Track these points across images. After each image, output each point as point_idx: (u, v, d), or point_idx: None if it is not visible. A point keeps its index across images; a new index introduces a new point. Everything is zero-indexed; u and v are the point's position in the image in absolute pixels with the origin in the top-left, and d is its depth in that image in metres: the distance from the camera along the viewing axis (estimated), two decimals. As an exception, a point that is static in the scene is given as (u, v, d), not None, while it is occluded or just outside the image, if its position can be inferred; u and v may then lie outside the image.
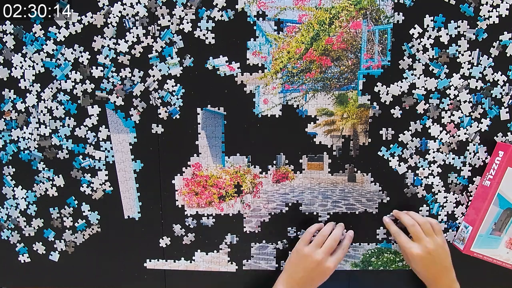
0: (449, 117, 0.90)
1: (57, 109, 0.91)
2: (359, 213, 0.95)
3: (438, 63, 0.88)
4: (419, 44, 0.87)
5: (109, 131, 0.92)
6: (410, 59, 0.88)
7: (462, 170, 0.93)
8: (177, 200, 0.96)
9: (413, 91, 0.89)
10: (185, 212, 0.96)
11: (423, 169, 0.93)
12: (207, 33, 0.87)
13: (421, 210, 0.95)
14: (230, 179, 0.94)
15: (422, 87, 0.89)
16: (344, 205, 0.95)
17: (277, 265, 0.98)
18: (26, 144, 0.93)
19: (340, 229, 0.90)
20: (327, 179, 0.94)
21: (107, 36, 0.87)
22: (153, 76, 0.89)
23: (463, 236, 0.92)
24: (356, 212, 0.95)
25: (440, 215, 0.95)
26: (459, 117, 0.90)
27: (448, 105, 0.90)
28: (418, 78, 0.89)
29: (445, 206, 0.95)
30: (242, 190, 0.95)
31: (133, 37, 0.87)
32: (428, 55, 0.87)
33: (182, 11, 0.86)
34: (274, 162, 0.93)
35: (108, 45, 0.88)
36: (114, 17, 0.86)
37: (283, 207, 0.95)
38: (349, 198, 0.94)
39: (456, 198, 0.94)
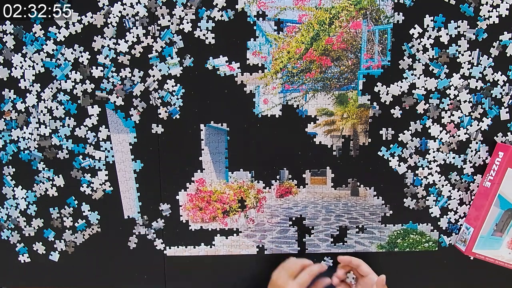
0: (449, 117, 0.89)
1: (57, 109, 0.90)
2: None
3: (438, 63, 0.86)
4: (419, 44, 0.85)
5: (109, 131, 0.91)
6: (410, 59, 0.86)
7: (464, 168, 0.91)
8: (181, 216, 0.95)
9: (413, 91, 0.88)
10: (189, 228, 0.95)
11: (423, 169, 0.91)
12: (207, 33, 0.86)
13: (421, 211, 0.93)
14: (234, 194, 0.93)
15: (422, 87, 0.87)
16: (347, 219, 0.94)
17: (299, 248, 0.96)
18: (26, 144, 0.91)
19: (319, 266, 0.87)
20: (330, 193, 0.93)
21: (107, 36, 0.86)
22: (153, 76, 0.88)
23: (465, 237, 0.90)
24: (360, 226, 0.94)
25: (442, 216, 0.94)
26: (459, 117, 0.89)
27: (448, 105, 0.88)
28: (418, 78, 0.87)
29: (448, 206, 0.93)
30: (246, 205, 0.94)
31: (133, 37, 0.86)
32: (428, 55, 0.86)
33: (182, 11, 0.84)
34: (278, 177, 0.92)
35: (108, 45, 0.86)
36: (114, 17, 0.85)
37: (286, 221, 0.94)
38: (352, 212, 0.94)
39: (459, 195, 0.93)
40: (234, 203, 0.94)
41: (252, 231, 0.95)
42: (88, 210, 0.95)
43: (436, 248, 0.95)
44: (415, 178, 0.92)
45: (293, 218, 0.94)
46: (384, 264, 0.95)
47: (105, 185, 0.93)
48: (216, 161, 0.92)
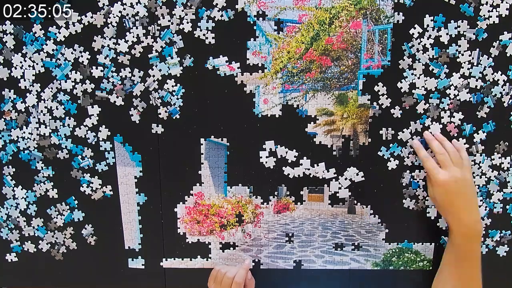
0: (449, 117, 0.86)
1: (57, 109, 0.87)
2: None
3: (438, 63, 0.84)
4: (419, 44, 0.83)
5: (115, 162, 0.90)
6: (410, 59, 0.84)
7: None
8: (179, 228, 0.93)
9: (413, 91, 0.85)
10: (186, 240, 0.94)
11: (419, 171, 0.88)
12: (207, 33, 0.83)
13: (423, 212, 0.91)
14: (232, 208, 0.92)
15: (422, 87, 0.85)
16: (343, 236, 0.92)
17: (294, 264, 0.94)
18: (25, 144, 0.89)
19: (243, 272, 0.87)
20: (327, 211, 0.91)
21: (107, 36, 0.84)
22: (153, 76, 0.85)
23: None
24: (355, 243, 0.93)
25: (440, 217, 0.91)
26: (459, 119, 0.86)
27: (448, 104, 0.86)
28: (418, 78, 0.85)
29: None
30: (243, 220, 0.92)
31: (133, 37, 0.84)
32: (428, 55, 0.84)
33: (182, 11, 0.82)
34: (276, 193, 0.91)
35: (108, 45, 0.84)
36: (114, 17, 0.83)
37: (283, 237, 0.93)
38: (349, 230, 0.92)
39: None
40: (232, 217, 0.92)
41: (248, 246, 0.94)
42: (87, 212, 0.93)
43: (431, 268, 0.93)
44: (412, 180, 0.89)
45: (290, 234, 0.93)
46: (379, 281, 0.94)
47: (105, 187, 0.91)
48: (215, 175, 0.90)
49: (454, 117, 0.86)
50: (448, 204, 0.79)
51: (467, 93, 0.85)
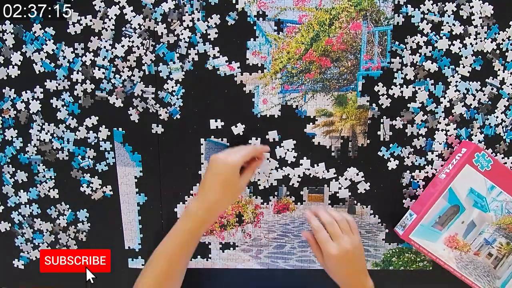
0: (451, 114, 0.84)
1: (59, 111, 0.85)
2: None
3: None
4: (418, 45, 0.81)
5: (115, 162, 0.87)
6: (410, 61, 0.82)
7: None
8: None
9: (408, 104, 0.83)
10: None
11: (419, 171, 0.86)
12: (208, 33, 0.81)
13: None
14: (232, 208, 0.89)
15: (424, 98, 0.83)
16: None
17: (295, 263, 0.92)
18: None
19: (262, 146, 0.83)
20: None
21: (103, 39, 0.81)
22: (154, 77, 0.83)
23: (406, 223, 0.84)
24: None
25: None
26: (460, 115, 0.84)
27: (448, 118, 0.84)
28: (419, 80, 0.82)
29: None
30: (244, 220, 0.90)
31: (132, 44, 0.81)
32: (428, 57, 0.81)
33: (176, 21, 0.80)
34: (276, 193, 0.88)
35: (105, 47, 0.81)
36: (110, 20, 0.80)
37: (283, 237, 0.91)
38: None
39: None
40: (232, 217, 0.90)
41: (248, 246, 0.91)
42: (87, 211, 0.90)
43: (431, 268, 0.91)
44: (412, 180, 0.87)
45: (289, 234, 0.90)
46: (379, 281, 0.90)
47: (106, 187, 0.89)
48: None
49: (455, 129, 0.85)
50: (340, 273, 0.78)
51: (462, 106, 0.83)
